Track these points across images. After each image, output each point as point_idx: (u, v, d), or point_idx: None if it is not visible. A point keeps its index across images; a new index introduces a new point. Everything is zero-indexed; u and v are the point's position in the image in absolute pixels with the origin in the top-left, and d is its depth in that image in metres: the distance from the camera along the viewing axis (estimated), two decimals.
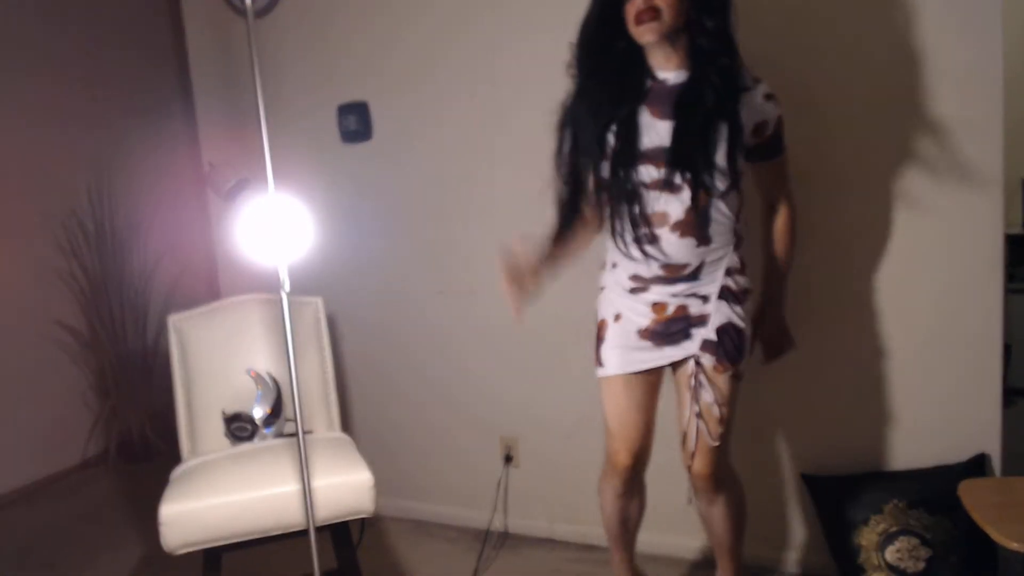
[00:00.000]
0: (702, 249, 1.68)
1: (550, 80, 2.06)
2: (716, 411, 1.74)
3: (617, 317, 1.79)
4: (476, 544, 2.62)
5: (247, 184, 2.36)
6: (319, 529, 1.73)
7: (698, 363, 1.74)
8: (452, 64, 2.55)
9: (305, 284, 1.82)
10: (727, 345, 1.72)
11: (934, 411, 2.11)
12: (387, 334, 2.84)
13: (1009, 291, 2.44)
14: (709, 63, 1.60)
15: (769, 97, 1.69)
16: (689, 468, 1.81)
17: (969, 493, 1.72)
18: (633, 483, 1.89)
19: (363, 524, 2.43)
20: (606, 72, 1.66)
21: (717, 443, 1.76)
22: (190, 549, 1.80)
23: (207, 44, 3.01)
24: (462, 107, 2.57)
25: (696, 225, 1.66)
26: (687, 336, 1.73)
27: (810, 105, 2.11)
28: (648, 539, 2.50)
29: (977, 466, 2.04)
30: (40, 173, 3.53)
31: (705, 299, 1.72)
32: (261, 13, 1.43)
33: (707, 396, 1.75)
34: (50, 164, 3.56)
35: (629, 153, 1.64)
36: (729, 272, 1.73)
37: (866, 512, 2.07)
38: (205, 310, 2.27)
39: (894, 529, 2.03)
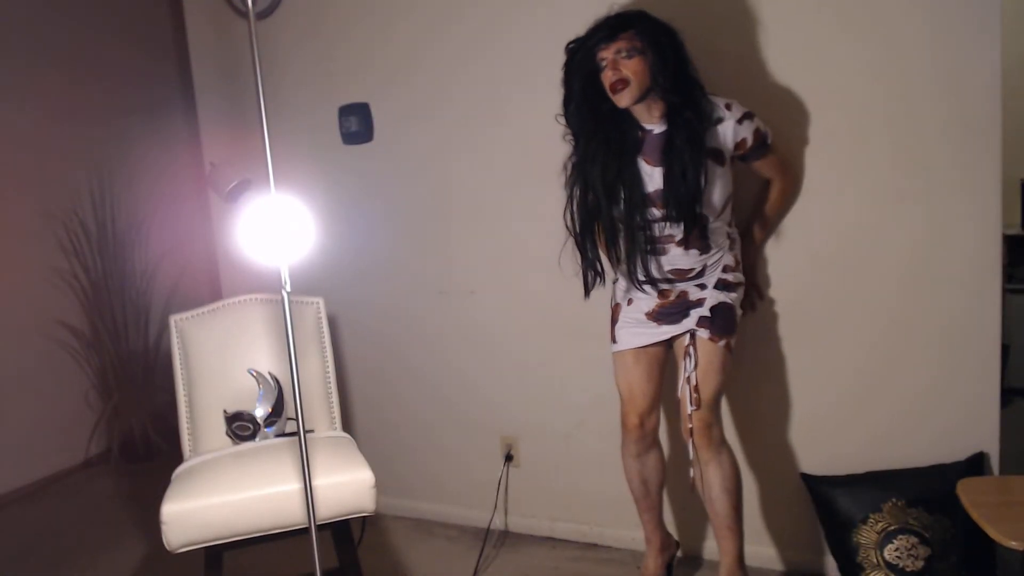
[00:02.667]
0: (704, 256, 1.99)
1: (550, 82, 2.07)
2: (695, 378, 1.98)
3: (629, 301, 2.07)
4: (477, 543, 2.63)
5: (248, 184, 2.37)
6: (320, 528, 1.73)
7: (693, 336, 1.99)
8: (453, 64, 2.56)
9: (306, 284, 1.83)
10: (719, 320, 1.99)
11: (933, 410, 2.11)
12: (388, 334, 2.85)
13: (1007, 291, 2.45)
14: (678, 116, 1.88)
15: (742, 120, 1.94)
16: (689, 432, 2.00)
17: (968, 492, 1.73)
18: (643, 444, 2.11)
19: (364, 523, 2.44)
20: (603, 131, 1.93)
21: (697, 408, 1.97)
22: (191, 548, 1.80)
23: (209, 44, 3.02)
24: (463, 108, 2.57)
25: (698, 238, 1.96)
26: (685, 315, 2.01)
27: (809, 106, 2.12)
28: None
29: (975, 465, 2.04)
30: (41, 173, 3.54)
31: (703, 287, 2.00)
32: (263, 15, 1.44)
33: (689, 365, 1.99)
34: (51, 164, 3.57)
35: (639, 199, 1.93)
36: (726, 269, 2.02)
37: (865, 511, 2.07)
38: (206, 310, 2.27)
39: (893, 528, 2.03)
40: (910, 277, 2.09)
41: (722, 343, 1.98)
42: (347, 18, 2.70)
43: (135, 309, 3.76)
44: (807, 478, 2.23)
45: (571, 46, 1.92)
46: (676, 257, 1.97)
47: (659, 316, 2.02)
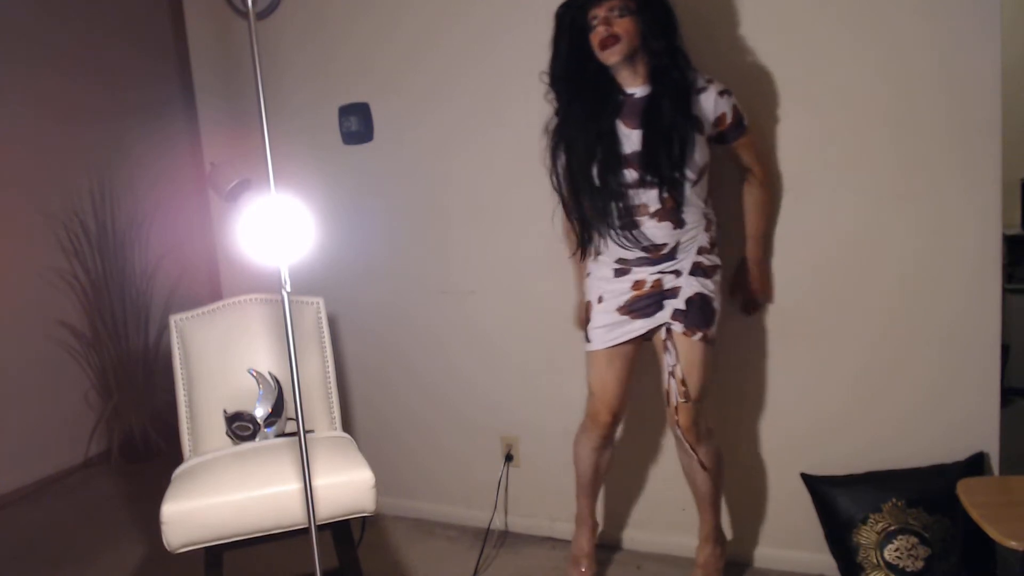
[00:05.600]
0: (678, 231, 1.97)
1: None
2: (680, 372, 1.99)
3: (600, 299, 2.06)
4: (477, 543, 2.63)
5: (248, 184, 2.37)
6: (320, 528, 1.73)
7: (668, 330, 2.00)
8: (452, 64, 2.56)
9: (306, 284, 1.83)
10: (694, 312, 1.98)
11: (933, 410, 2.11)
12: (388, 334, 2.85)
13: (1007, 291, 2.45)
14: (665, 78, 1.92)
15: (722, 93, 1.97)
16: (676, 423, 2.02)
17: (968, 492, 1.73)
18: (608, 439, 2.17)
19: (364, 523, 2.45)
20: (585, 93, 1.96)
21: (686, 400, 1.99)
22: (191, 548, 1.80)
23: (209, 44, 3.02)
24: (463, 108, 2.57)
25: (672, 211, 1.94)
26: (660, 308, 2.00)
27: (809, 106, 2.12)
28: (650, 539, 2.52)
29: (975, 465, 2.04)
30: (42, 173, 3.54)
31: (678, 273, 1.99)
32: (263, 15, 1.44)
33: (671, 359, 2.00)
34: (52, 164, 3.57)
35: (614, 160, 1.93)
36: (701, 251, 2.00)
37: (865, 511, 2.07)
38: (207, 310, 2.27)
39: (893, 528, 2.04)
40: (910, 277, 2.09)
41: (697, 336, 1.97)
42: (347, 18, 2.70)
43: (135, 309, 3.76)
44: (807, 478, 2.23)
45: (562, 8, 1.97)
46: (650, 230, 1.95)
47: (632, 309, 2.01)
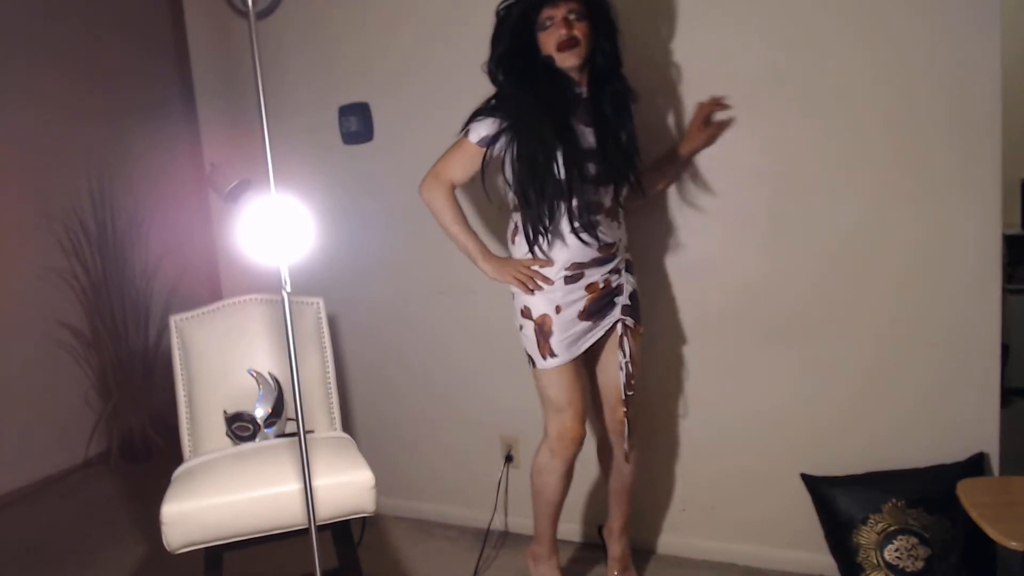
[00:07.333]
0: (619, 230, 2.03)
1: None
2: (635, 366, 2.04)
3: (558, 309, 1.99)
4: (476, 543, 2.62)
5: (248, 184, 2.37)
6: (320, 528, 1.73)
7: (626, 326, 2.02)
8: (452, 64, 2.56)
9: (306, 284, 1.83)
10: (636, 307, 2.06)
11: (933, 410, 2.11)
12: (388, 334, 2.85)
13: (1007, 291, 2.45)
14: (605, 83, 1.92)
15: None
16: (619, 417, 2.07)
17: (968, 492, 1.73)
18: (578, 454, 2.10)
19: (364, 523, 2.44)
20: (538, 86, 1.90)
21: (631, 394, 2.05)
22: (191, 548, 1.80)
23: (209, 44, 3.02)
24: (462, 107, 2.57)
25: (617, 210, 2.00)
26: (613, 306, 2.03)
27: (809, 106, 2.12)
28: (647, 538, 2.52)
29: (975, 465, 2.04)
30: (41, 173, 3.54)
31: (619, 272, 2.03)
32: (263, 15, 1.44)
33: (622, 356, 2.02)
34: (51, 164, 3.57)
35: (578, 152, 1.90)
36: (627, 248, 2.08)
37: (865, 511, 2.07)
38: (207, 310, 2.27)
39: (893, 528, 2.04)
40: (910, 277, 2.09)
41: (640, 330, 2.08)
42: (347, 18, 2.70)
43: (135, 309, 3.76)
44: (807, 478, 2.23)
45: (506, 4, 1.93)
46: (605, 229, 1.97)
47: (591, 313, 2.00)
